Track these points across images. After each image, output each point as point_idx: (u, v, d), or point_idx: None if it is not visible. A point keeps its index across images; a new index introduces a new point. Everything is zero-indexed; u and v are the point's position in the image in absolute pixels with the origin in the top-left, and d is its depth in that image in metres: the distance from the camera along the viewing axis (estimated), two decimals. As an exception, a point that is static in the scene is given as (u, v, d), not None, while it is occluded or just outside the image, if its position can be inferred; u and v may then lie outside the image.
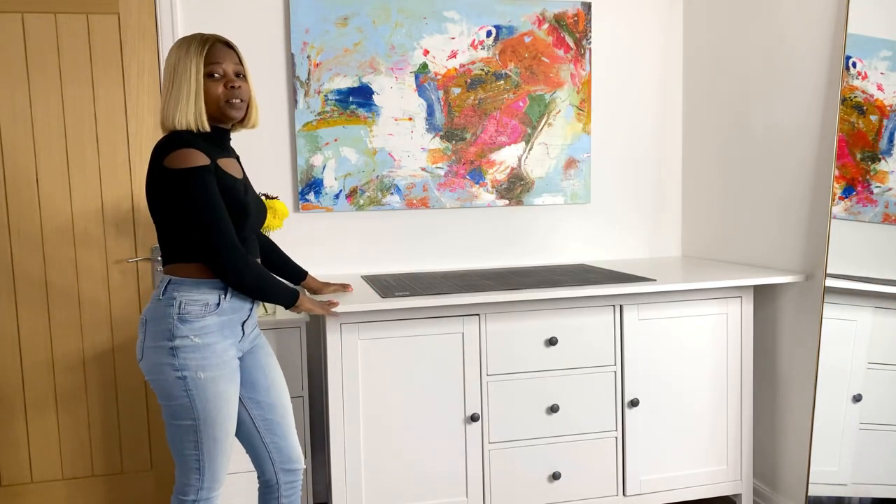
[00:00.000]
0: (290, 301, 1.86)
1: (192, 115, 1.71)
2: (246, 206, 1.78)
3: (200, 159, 1.67)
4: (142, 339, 1.75)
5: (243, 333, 1.83)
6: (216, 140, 1.79)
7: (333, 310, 2.02)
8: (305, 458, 2.46)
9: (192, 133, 1.73)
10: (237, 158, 1.91)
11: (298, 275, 2.20)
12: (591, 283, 2.38)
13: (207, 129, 1.74)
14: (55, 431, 2.61)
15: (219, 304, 1.75)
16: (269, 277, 1.79)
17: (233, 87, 1.76)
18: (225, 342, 1.76)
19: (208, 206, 1.67)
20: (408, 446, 2.31)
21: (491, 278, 2.55)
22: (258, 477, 1.97)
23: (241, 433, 1.92)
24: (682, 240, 3.18)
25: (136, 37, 2.56)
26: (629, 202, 3.11)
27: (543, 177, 2.97)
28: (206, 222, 1.67)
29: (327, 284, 2.28)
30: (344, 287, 2.30)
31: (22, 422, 2.58)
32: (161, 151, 1.70)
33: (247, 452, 1.96)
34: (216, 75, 1.75)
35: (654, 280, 2.41)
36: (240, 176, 1.86)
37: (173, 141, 1.69)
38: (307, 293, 2.22)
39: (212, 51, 1.74)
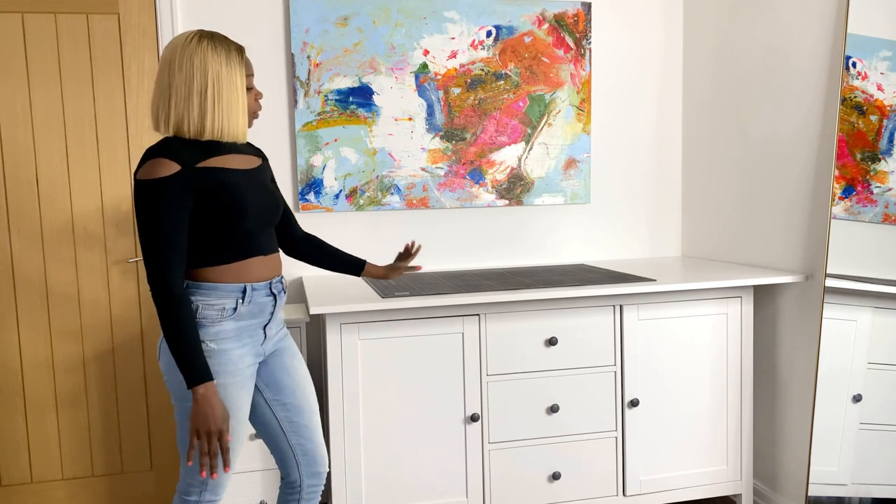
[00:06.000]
0: (189, 379, 1.63)
1: (239, 129, 1.69)
2: (241, 202, 1.68)
3: (165, 170, 1.58)
4: (162, 337, 1.74)
5: (265, 336, 1.80)
6: (211, 144, 1.71)
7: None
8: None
9: (183, 139, 1.66)
10: (256, 150, 1.85)
11: (357, 265, 2.06)
12: (591, 283, 2.38)
13: (246, 141, 1.69)
14: (55, 431, 2.61)
15: (236, 309, 1.71)
16: (185, 331, 1.62)
17: (257, 100, 1.77)
18: (242, 349, 1.73)
19: (154, 223, 1.60)
20: (408, 446, 2.31)
21: (491, 278, 2.55)
22: (282, 477, 1.95)
23: (268, 435, 1.90)
24: (682, 240, 3.18)
25: (136, 37, 2.56)
26: (629, 202, 3.11)
27: (543, 177, 2.97)
28: (147, 240, 1.60)
29: (394, 268, 2.10)
30: (412, 268, 2.12)
31: (22, 422, 2.58)
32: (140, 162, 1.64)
33: (272, 454, 1.93)
34: (249, 88, 1.75)
35: (654, 280, 2.41)
36: (247, 167, 1.76)
37: (151, 151, 1.63)
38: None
39: (247, 61, 1.73)
